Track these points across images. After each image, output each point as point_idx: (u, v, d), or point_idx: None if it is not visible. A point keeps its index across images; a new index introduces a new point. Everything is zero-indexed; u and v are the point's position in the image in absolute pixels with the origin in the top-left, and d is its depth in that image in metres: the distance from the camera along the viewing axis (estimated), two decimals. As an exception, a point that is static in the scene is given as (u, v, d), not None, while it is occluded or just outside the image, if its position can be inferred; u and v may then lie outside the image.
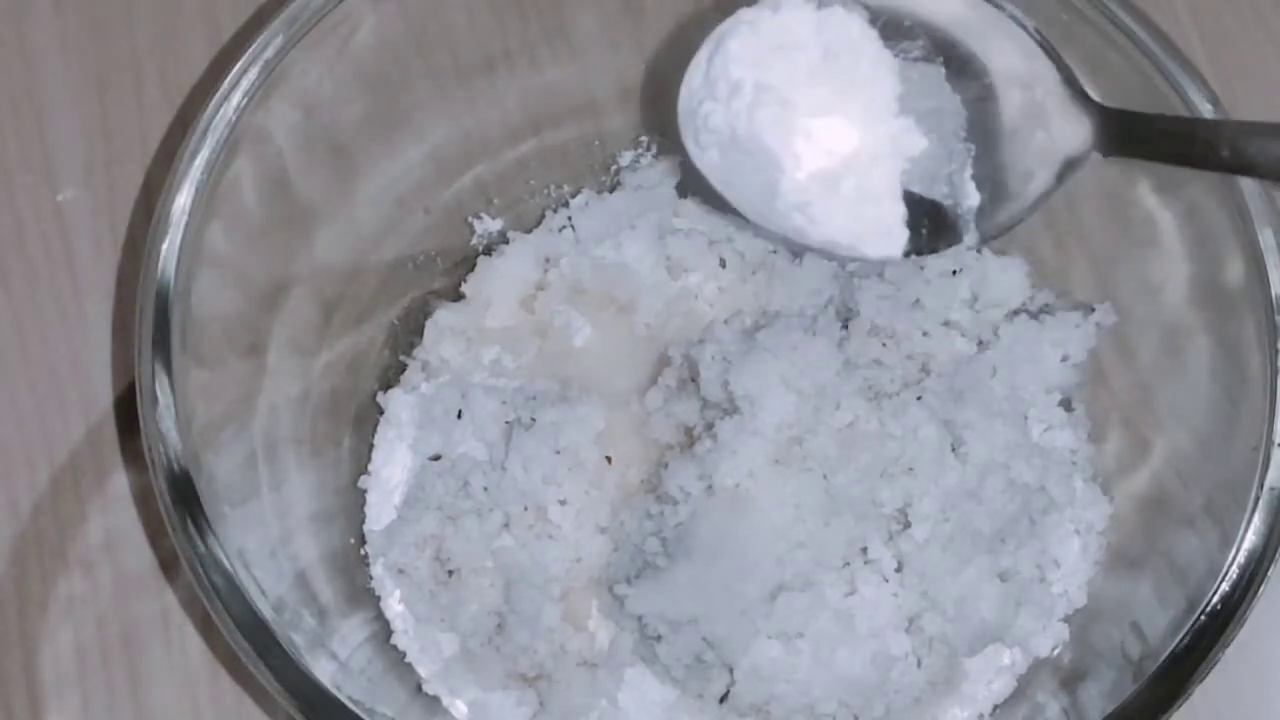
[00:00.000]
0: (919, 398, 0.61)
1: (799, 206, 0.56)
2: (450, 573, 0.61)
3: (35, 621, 0.64)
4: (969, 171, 0.56)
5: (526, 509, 0.61)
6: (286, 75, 0.58)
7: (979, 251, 0.65)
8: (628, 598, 0.58)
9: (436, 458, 0.63)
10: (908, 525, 0.59)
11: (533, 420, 0.62)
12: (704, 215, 0.67)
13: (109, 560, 0.65)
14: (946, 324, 0.65)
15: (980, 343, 0.65)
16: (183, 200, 0.56)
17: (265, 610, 0.53)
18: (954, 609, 0.59)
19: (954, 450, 0.60)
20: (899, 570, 0.59)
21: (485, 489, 0.61)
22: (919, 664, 0.60)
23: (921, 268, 0.64)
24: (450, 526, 0.61)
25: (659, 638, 0.59)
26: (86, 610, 0.65)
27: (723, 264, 0.66)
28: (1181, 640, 0.54)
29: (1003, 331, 0.64)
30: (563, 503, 0.61)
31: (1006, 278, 0.65)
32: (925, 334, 0.64)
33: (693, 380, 0.62)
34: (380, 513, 0.64)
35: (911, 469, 0.59)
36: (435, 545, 0.61)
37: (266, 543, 0.58)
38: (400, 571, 0.62)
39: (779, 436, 0.59)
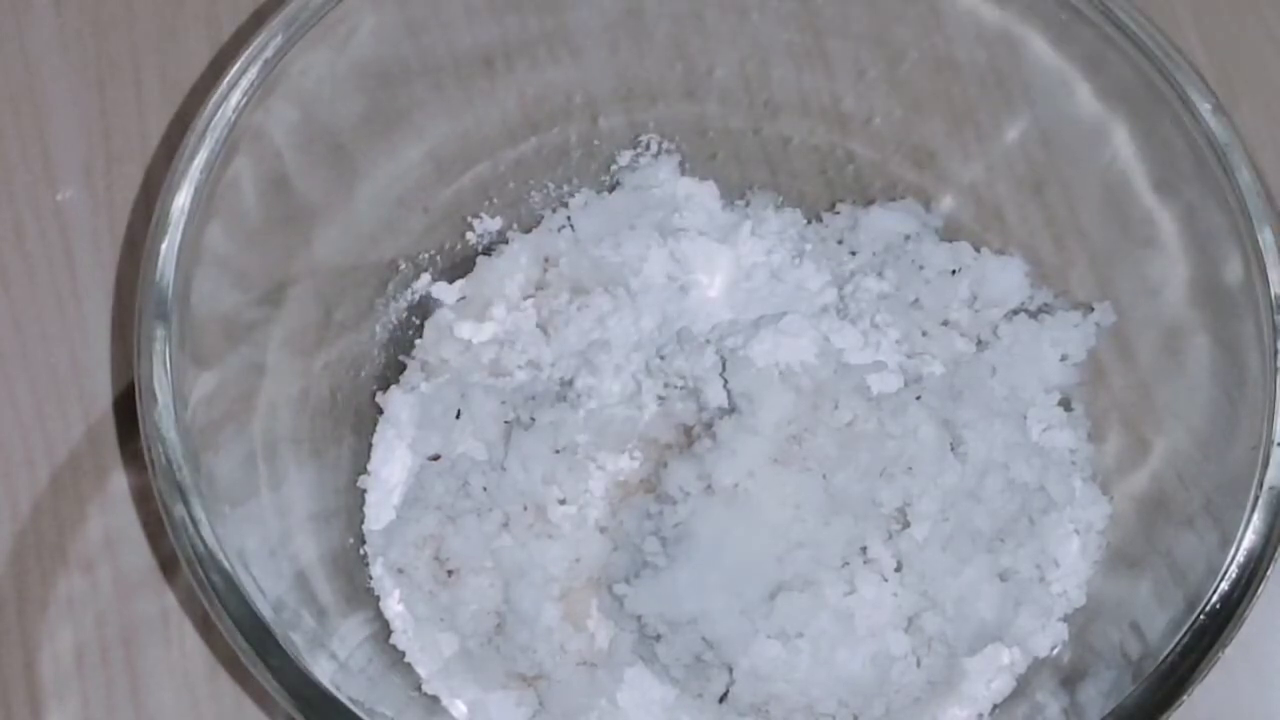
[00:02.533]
0: (918, 397, 0.61)
1: None
2: (450, 573, 0.61)
3: (35, 621, 0.64)
4: None
5: (526, 508, 0.61)
6: (286, 75, 0.58)
7: (978, 250, 0.65)
8: (627, 598, 0.58)
9: (436, 457, 0.63)
10: (907, 525, 0.59)
11: (532, 420, 0.62)
12: (703, 215, 0.67)
13: (109, 560, 0.65)
14: (946, 323, 0.65)
15: (980, 342, 0.65)
16: (182, 200, 0.56)
17: (264, 610, 0.53)
18: (953, 608, 0.59)
19: (953, 450, 0.60)
20: (899, 570, 0.59)
21: (485, 489, 0.61)
22: (918, 664, 0.60)
23: (921, 267, 0.64)
24: (450, 526, 0.61)
25: (658, 637, 0.59)
26: (86, 610, 0.65)
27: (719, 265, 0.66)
28: (1181, 640, 0.53)
29: (1002, 331, 0.64)
30: (562, 502, 0.61)
31: (1005, 277, 0.64)
32: (925, 334, 0.64)
33: (692, 379, 0.62)
34: (379, 512, 0.64)
35: (910, 469, 0.59)
36: (435, 545, 0.61)
37: (266, 542, 0.58)
38: (400, 571, 0.62)
39: (778, 435, 0.59)
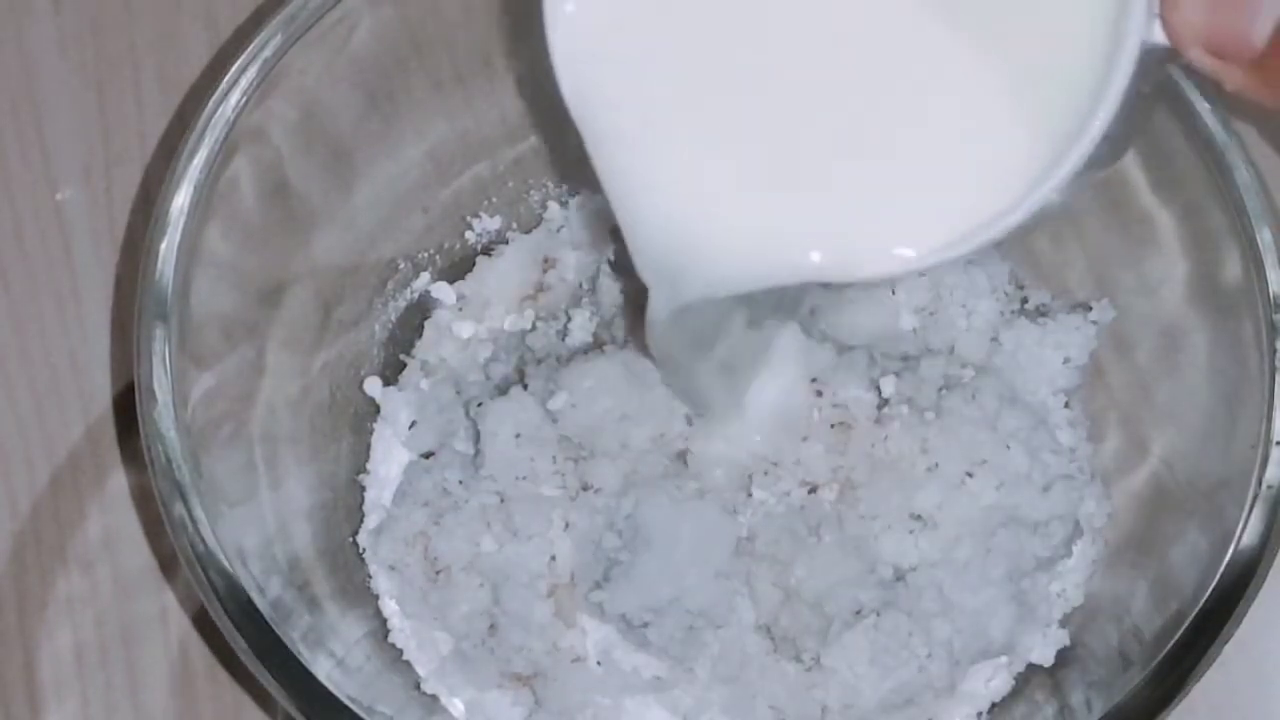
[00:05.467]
0: (933, 411, 0.60)
1: None
2: (439, 571, 0.61)
3: (34, 620, 0.65)
4: None
5: (503, 501, 0.61)
6: (285, 74, 0.58)
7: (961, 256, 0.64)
8: (605, 601, 0.58)
9: (429, 454, 0.63)
10: (927, 528, 0.59)
11: (522, 417, 0.61)
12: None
13: (108, 559, 0.65)
14: (950, 334, 0.64)
15: (984, 352, 0.64)
16: (181, 200, 0.56)
17: (264, 609, 0.53)
18: (966, 622, 0.59)
19: (970, 474, 0.60)
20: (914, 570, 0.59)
21: (460, 482, 0.61)
22: (920, 669, 0.59)
23: (922, 274, 0.64)
24: (435, 525, 0.61)
25: (645, 625, 0.58)
26: (85, 609, 0.65)
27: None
28: (1179, 638, 0.53)
29: (1004, 338, 0.64)
30: (535, 500, 0.61)
31: (985, 281, 0.64)
32: (930, 350, 0.64)
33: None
34: (376, 510, 0.64)
35: (926, 482, 0.59)
36: (424, 542, 0.61)
37: (265, 541, 0.58)
38: (392, 568, 0.62)
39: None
